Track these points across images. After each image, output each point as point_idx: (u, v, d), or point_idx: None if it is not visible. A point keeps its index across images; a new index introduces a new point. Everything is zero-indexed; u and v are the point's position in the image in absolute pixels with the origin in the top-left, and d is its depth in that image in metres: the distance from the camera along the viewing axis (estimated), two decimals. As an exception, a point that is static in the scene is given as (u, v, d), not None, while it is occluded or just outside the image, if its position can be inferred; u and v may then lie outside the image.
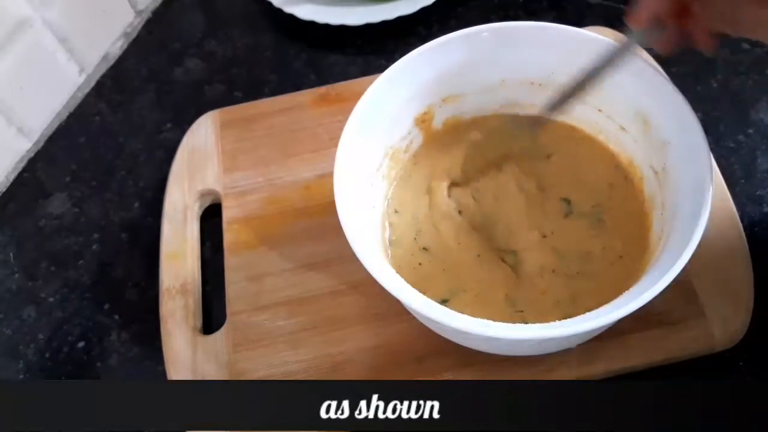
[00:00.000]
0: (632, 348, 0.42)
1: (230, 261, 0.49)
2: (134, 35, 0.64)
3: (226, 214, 0.51)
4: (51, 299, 0.51)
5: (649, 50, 0.53)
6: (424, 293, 0.39)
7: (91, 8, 0.60)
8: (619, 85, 0.44)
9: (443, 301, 0.43)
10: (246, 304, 0.47)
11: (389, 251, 0.46)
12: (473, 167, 0.47)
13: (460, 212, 0.46)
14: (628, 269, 0.43)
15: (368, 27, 0.59)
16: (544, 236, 0.44)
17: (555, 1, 0.61)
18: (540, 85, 0.47)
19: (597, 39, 0.44)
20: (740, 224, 0.45)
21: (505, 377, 0.42)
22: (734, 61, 0.55)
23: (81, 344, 0.49)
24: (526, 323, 0.38)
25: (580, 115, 0.48)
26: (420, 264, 0.45)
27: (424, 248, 0.45)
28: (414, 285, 0.39)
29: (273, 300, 0.47)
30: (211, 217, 0.52)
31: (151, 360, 0.47)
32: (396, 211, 0.47)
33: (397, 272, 0.40)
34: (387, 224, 0.46)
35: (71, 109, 0.61)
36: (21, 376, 0.48)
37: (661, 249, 0.40)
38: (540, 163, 0.47)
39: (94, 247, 0.53)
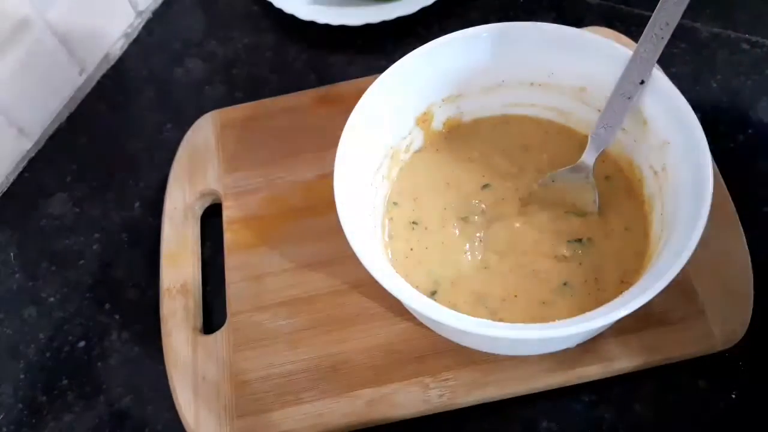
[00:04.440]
0: (632, 348, 0.42)
1: (230, 261, 0.49)
2: (135, 36, 0.64)
3: (227, 214, 0.51)
4: (52, 299, 0.51)
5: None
6: (415, 285, 0.39)
7: (92, 9, 0.60)
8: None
9: (432, 293, 0.43)
10: (246, 304, 0.47)
11: (389, 249, 0.46)
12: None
13: (463, 218, 0.46)
14: (628, 269, 0.43)
15: (368, 27, 0.59)
16: (537, 259, 0.44)
17: (555, 1, 0.61)
18: (540, 85, 0.47)
19: (596, 39, 0.44)
20: (740, 224, 0.46)
21: (504, 377, 0.42)
22: (734, 62, 0.55)
23: (81, 344, 0.49)
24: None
25: (580, 116, 0.48)
26: (411, 249, 0.45)
27: (413, 222, 0.46)
28: (406, 276, 0.39)
29: (273, 300, 0.47)
30: (211, 217, 0.52)
31: (151, 360, 0.47)
32: (395, 204, 0.47)
33: (394, 267, 0.40)
34: (387, 221, 0.47)
35: (72, 109, 0.61)
36: (21, 376, 0.48)
37: (661, 249, 0.40)
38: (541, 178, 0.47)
39: (94, 247, 0.53)
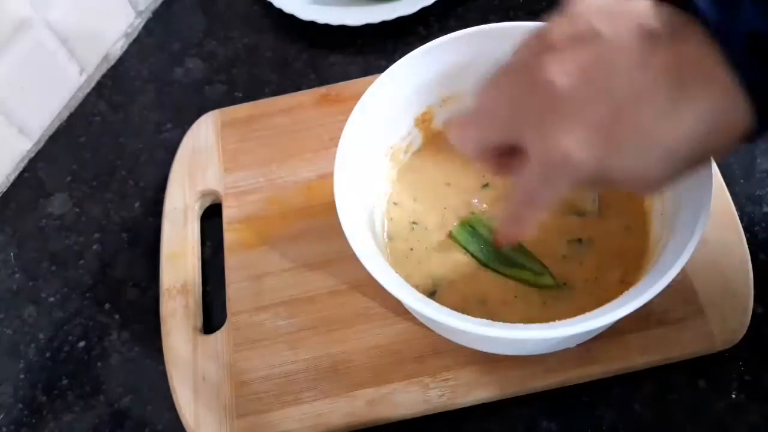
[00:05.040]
0: (632, 348, 0.42)
1: (230, 261, 0.49)
2: (135, 35, 0.64)
3: (227, 214, 0.51)
4: (52, 299, 0.51)
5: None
6: (415, 285, 0.39)
7: (92, 9, 0.60)
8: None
9: (432, 293, 0.43)
10: (246, 304, 0.47)
11: (388, 249, 0.46)
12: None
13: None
14: (628, 269, 0.43)
15: (368, 27, 0.59)
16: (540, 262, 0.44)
17: (555, 1, 0.61)
18: (540, 85, 0.47)
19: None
20: (739, 224, 0.46)
21: (504, 377, 0.42)
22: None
23: (81, 344, 0.49)
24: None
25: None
26: (411, 249, 0.45)
27: (413, 222, 0.46)
28: (406, 276, 0.39)
29: (273, 300, 0.47)
30: (211, 217, 0.52)
31: (151, 360, 0.48)
32: (395, 204, 0.47)
33: (393, 267, 0.40)
34: (386, 221, 0.47)
35: (72, 109, 0.61)
36: (21, 376, 0.48)
37: (661, 249, 0.40)
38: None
39: (94, 247, 0.53)
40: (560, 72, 0.29)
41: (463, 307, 0.42)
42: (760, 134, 0.29)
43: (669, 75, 0.28)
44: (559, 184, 0.31)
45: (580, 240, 0.45)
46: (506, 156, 0.35)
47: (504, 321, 0.41)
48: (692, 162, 0.30)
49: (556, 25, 0.31)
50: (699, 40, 0.28)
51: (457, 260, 0.45)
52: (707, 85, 0.28)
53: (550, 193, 0.32)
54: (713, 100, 0.28)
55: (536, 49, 0.31)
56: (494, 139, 0.34)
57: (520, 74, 0.32)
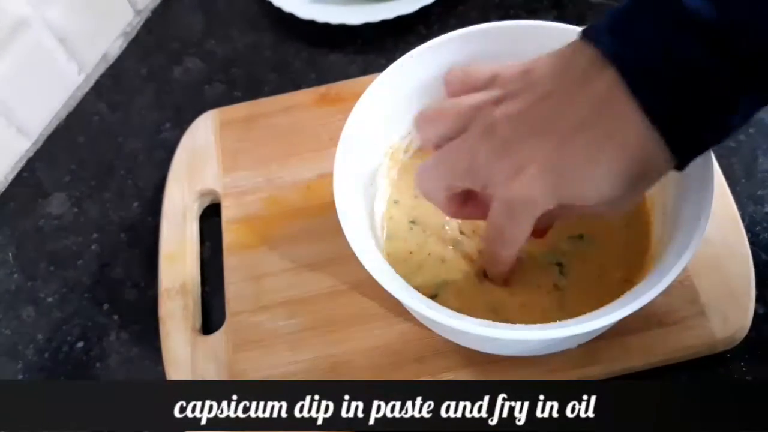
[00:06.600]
0: (633, 348, 0.42)
1: (230, 261, 0.49)
2: (133, 35, 0.64)
3: (226, 214, 0.51)
4: (50, 299, 0.51)
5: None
6: (416, 286, 0.39)
7: (91, 8, 0.60)
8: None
9: (433, 296, 0.43)
10: (245, 304, 0.47)
11: (388, 249, 0.45)
12: None
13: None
14: (631, 267, 0.43)
15: (368, 26, 0.59)
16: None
17: (556, 0, 0.61)
18: (540, 84, 0.47)
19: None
20: (741, 224, 0.45)
21: (505, 378, 0.42)
22: (735, 61, 0.55)
23: (80, 344, 0.49)
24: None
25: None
26: (411, 253, 0.45)
27: (412, 221, 0.46)
28: (406, 277, 0.39)
29: (273, 300, 0.47)
30: (210, 217, 0.52)
31: (150, 360, 0.47)
32: (396, 202, 0.47)
33: (393, 267, 0.40)
34: (386, 220, 0.46)
35: (70, 108, 0.60)
36: (20, 376, 0.48)
37: (662, 249, 0.40)
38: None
39: (93, 247, 0.53)
40: (503, 117, 0.34)
41: (464, 311, 0.42)
42: (683, 156, 0.32)
43: (593, 110, 0.31)
44: (524, 219, 0.35)
45: (581, 236, 0.44)
46: (467, 200, 0.39)
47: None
48: (639, 178, 0.33)
49: (501, 79, 0.36)
50: (612, 74, 0.31)
51: (461, 265, 0.44)
52: (619, 118, 0.31)
53: (517, 229, 0.35)
54: (627, 129, 0.31)
55: (482, 99, 0.36)
56: (458, 185, 0.37)
57: (472, 124, 0.35)
